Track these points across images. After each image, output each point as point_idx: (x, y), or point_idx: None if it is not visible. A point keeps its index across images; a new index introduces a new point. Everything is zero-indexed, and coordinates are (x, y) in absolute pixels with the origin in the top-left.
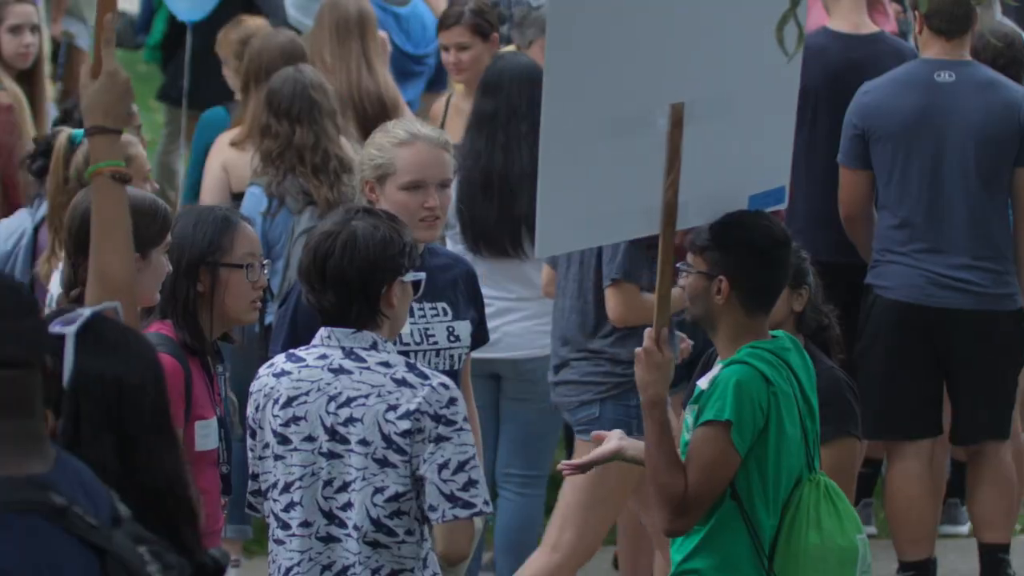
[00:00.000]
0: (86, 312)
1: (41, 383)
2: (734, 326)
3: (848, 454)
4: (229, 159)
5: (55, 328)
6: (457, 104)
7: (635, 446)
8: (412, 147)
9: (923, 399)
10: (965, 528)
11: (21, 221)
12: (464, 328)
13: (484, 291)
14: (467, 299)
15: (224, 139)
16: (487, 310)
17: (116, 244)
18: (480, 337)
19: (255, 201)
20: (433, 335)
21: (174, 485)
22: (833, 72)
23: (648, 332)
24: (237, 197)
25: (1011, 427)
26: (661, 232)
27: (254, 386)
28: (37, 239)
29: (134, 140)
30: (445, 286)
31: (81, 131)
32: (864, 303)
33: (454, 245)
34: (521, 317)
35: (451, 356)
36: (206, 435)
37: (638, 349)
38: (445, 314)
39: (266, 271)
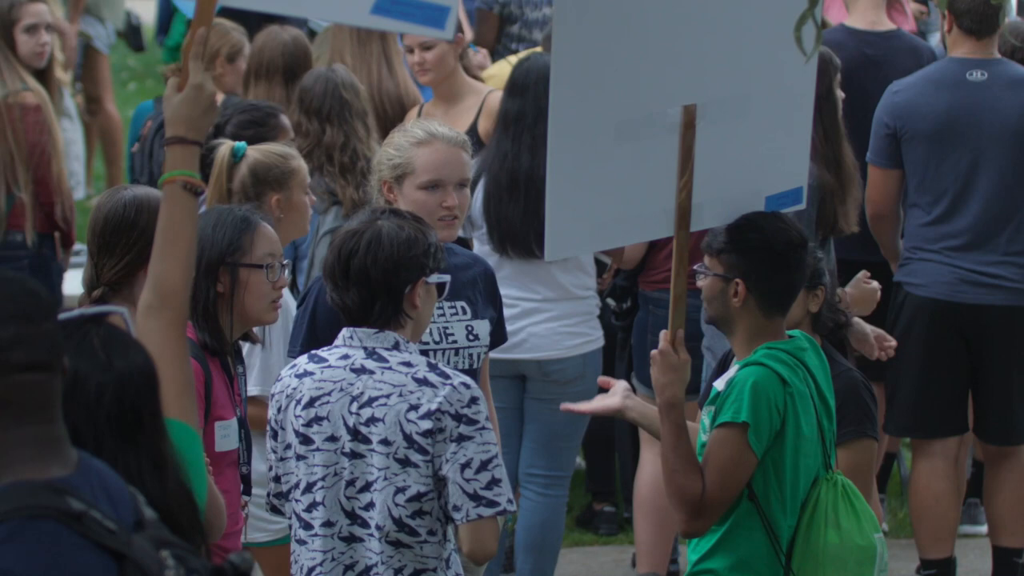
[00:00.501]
0: (74, 314)
1: (60, 387)
2: (751, 328)
3: (866, 456)
4: None
5: None
6: (429, 111)
7: (639, 407)
8: (430, 147)
9: (953, 397)
10: (985, 528)
11: None
12: (483, 327)
13: (510, 292)
14: (486, 298)
15: None
16: (513, 311)
17: (177, 254)
18: (499, 336)
19: None
20: (452, 334)
21: (136, 487)
22: (848, 68)
23: (664, 334)
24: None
25: None
26: (675, 234)
27: (276, 387)
28: None
29: (294, 153)
30: (464, 285)
31: (243, 144)
32: (894, 301)
33: (480, 246)
34: (547, 318)
35: (470, 355)
36: (226, 435)
37: (654, 351)
38: (464, 313)
39: (286, 271)
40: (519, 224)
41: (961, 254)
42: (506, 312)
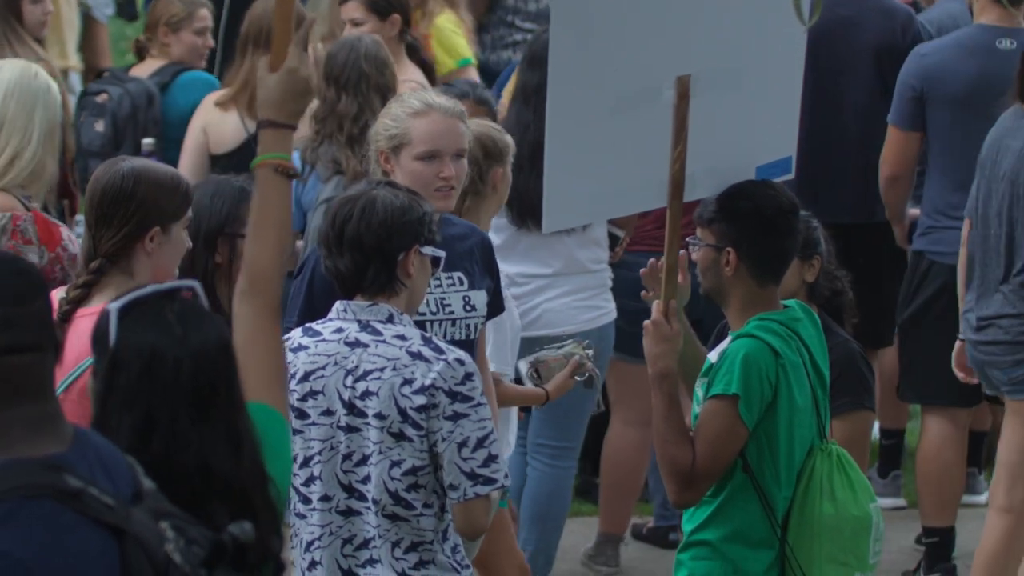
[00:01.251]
0: (147, 290)
1: (53, 365)
2: (745, 297)
3: (862, 426)
4: (211, 120)
5: (114, 302)
6: None
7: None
8: (427, 117)
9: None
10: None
11: None
12: (480, 298)
13: (524, 268)
14: (483, 268)
15: (210, 99)
16: (526, 287)
17: (268, 237)
18: (496, 306)
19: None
20: (449, 304)
21: (208, 463)
22: (821, 29)
23: (656, 304)
24: (216, 159)
25: None
26: (668, 204)
27: None
28: None
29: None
30: (461, 255)
31: None
32: (916, 269)
33: (497, 219)
34: (560, 293)
35: (467, 326)
36: None
37: (647, 322)
38: (461, 284)
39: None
40: (538, 196)
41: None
42: (520, 290)
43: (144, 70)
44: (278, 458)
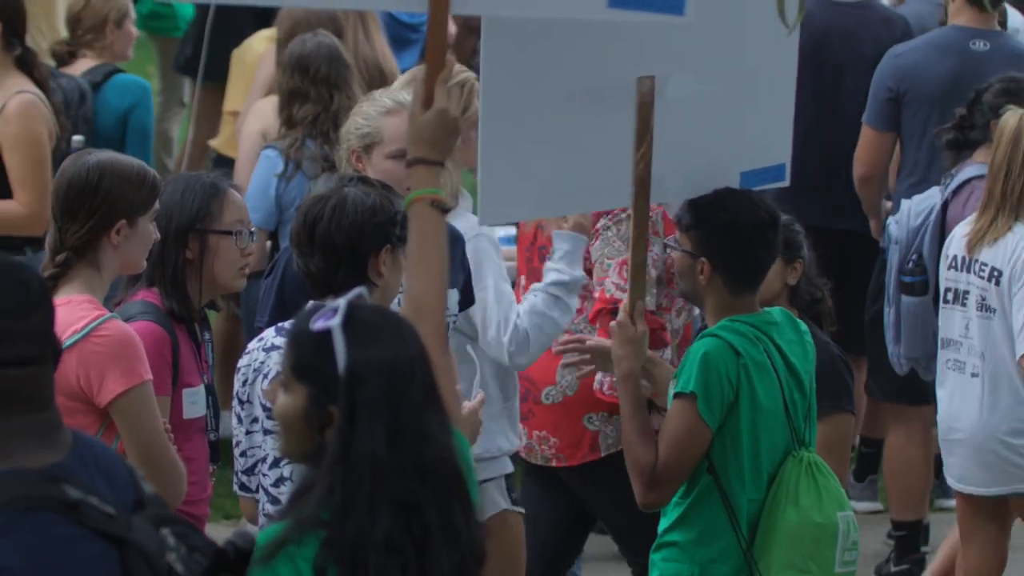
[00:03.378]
0: (341, 303)
1: (52, 375)
2: (719, 304)
3: (842, 429)
4: (269, 127)
5: (319, 323)
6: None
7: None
8: (399, 115)
9: None
10: None
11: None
12: (452, 296)
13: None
14: (456, 264)
15: (264, 104)
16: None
17: (431, 271)
18: (467, 300)
19: (270, 164)
20: None
21: (447, 458)
22: (821, 38)
23: (623, 306)
24: None
25: None
26: (633, 205)
27: (243, 360)
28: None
29: None
30: None
31: None
32: (881, 266)
33: None
34: None
35: None
36: (193, 402)
37: (612, 323)
38: None
39: (254, 238)
40: None
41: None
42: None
43: (75, 70)
44: (469, 471)
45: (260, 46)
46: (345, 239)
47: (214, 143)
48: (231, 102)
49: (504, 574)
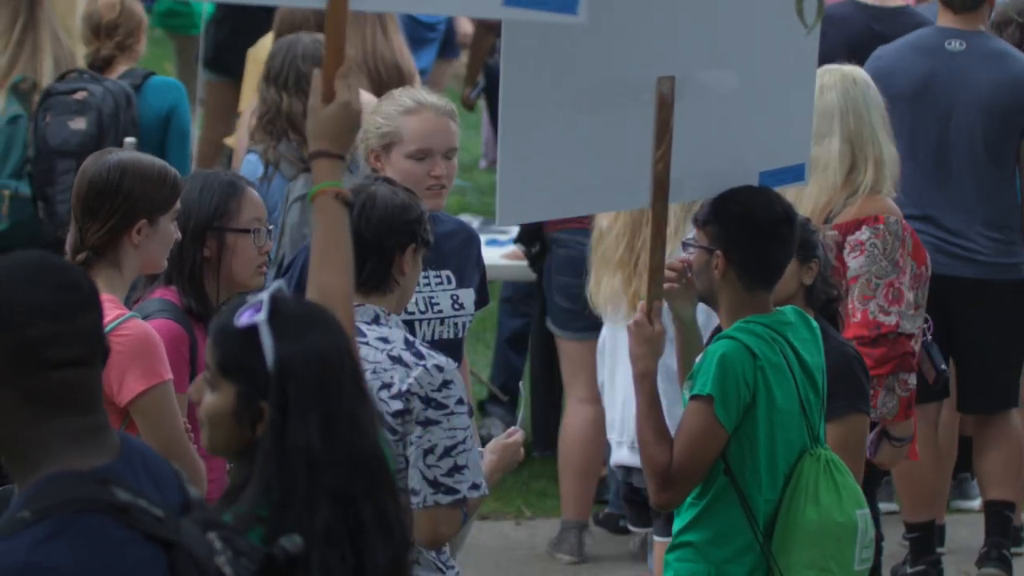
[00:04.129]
0: (264, 297)
1: (101, 377)
2: (733, 301)
3: (857, 430)
4: None
5: (243, 319)
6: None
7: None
8: (418, 115)
9: None
10: (976, 503)
11: None
12: (468, 296)
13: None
14: (473, 264)
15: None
16: None
17: (337, 264)
18: (482, 299)
19: (252, 167)
20: (438, 303)
21: (378, 450)
22: (855, 43)
23: (640, 305)
24: None
25: (1019, 394)
26: (652, 206)
27: None
28: None
29: None
30: (451, 253)
31: None
32: None
33: None
34: None
35: (455, 324)
36: None
37: (629, 322)
38: (449, 282)
39: (272, 236)
40: None
41: (933, 222)
42: None
43: (112, 75)
44: (392, 463)
45: (270, 42)
46: (374, 234)
47: (229, 141)
48: (246, 101)
49: None
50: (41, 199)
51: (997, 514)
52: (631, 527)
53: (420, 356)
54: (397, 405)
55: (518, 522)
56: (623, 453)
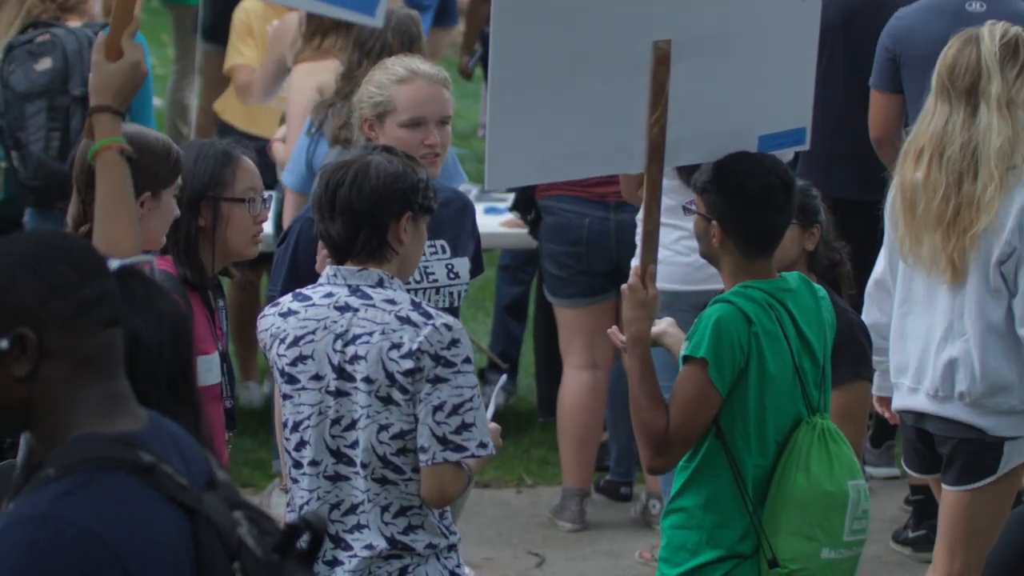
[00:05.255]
0: (114, 265)
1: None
2: (733, 267)
3: (860, 397)
4: (326, 82)
5: None
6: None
7: (676, 337)
8: (411, 84)
9: None
10: None
11: None
12: (463, 265)
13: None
14: (468, 233)
15: (320, 66)
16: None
17: (122, 218)
18: (476, 268)
19: (306, 126)
20: (433, 273)
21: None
22: (851, 10)
23: (635, 269)
24: None
25: None
26: (646, 169)
27: (261, 325)
28: None
29: None
30: (445, 222)
31: None
32: None
33: (668, 180)
34: None
35: (450, 293)
36: (208, 369)
37: (624, 286)
38: (444, 252)
39: (267, 205)
40: None
41: None
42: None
43: None
44: None
45: (250, 4)
46: (366, 204)
47: (216, 106)
48: (230, 61)
49: None
50: (15, 147)
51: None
52: (912, 473)
53: (428, 316)
54: (408, 364)
55: (519, 490)
56: (919, 399)
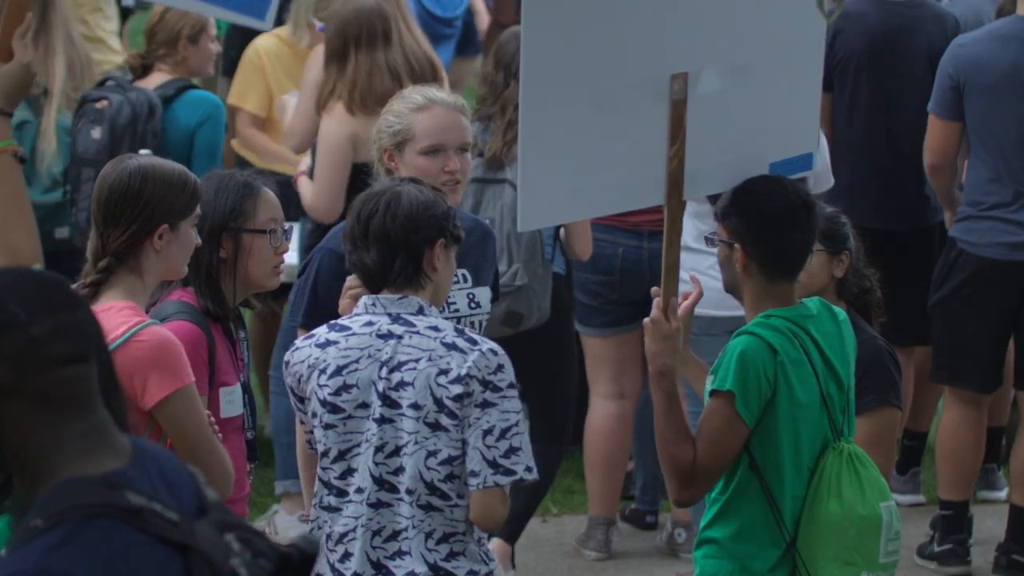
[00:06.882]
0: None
1: (96, 375)
2: (756, 293)
3: (888, 423)
4: (359, 131)
5: None
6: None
7: (696, 365)
8: (429, 112)
9: (993, 356)
10: (1002, 494)
11: None
12: (484, 294)
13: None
14: (489, 262)
15: (337, 108)
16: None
17: (20, 224)
18: (495, 295)
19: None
20: (454, 302)
21: None
22: (874, 38)
23: (657, 302)
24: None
25: None
26: (666, 203)
27: (294, 357)
28: None
29: None
30: (467, 251)
31: None
32: (948, 255)
33: (699, 206)
34: None
35: (472, 323)
36: (230, 401)
37: (646, 320)
38: (465, 281)
39: (288, 236)
40: None
41: (1018, 212)
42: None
43: (149, 83)
44: None
45: (263, 42)
46: (401, 231)
47: (234, 144)
48: (235, 96)
49: None
50: (72, 204)
51: (1019, 519)
52: None
53: (473, 341)
54: (457, 389)
55: (545, 519)
56: None
